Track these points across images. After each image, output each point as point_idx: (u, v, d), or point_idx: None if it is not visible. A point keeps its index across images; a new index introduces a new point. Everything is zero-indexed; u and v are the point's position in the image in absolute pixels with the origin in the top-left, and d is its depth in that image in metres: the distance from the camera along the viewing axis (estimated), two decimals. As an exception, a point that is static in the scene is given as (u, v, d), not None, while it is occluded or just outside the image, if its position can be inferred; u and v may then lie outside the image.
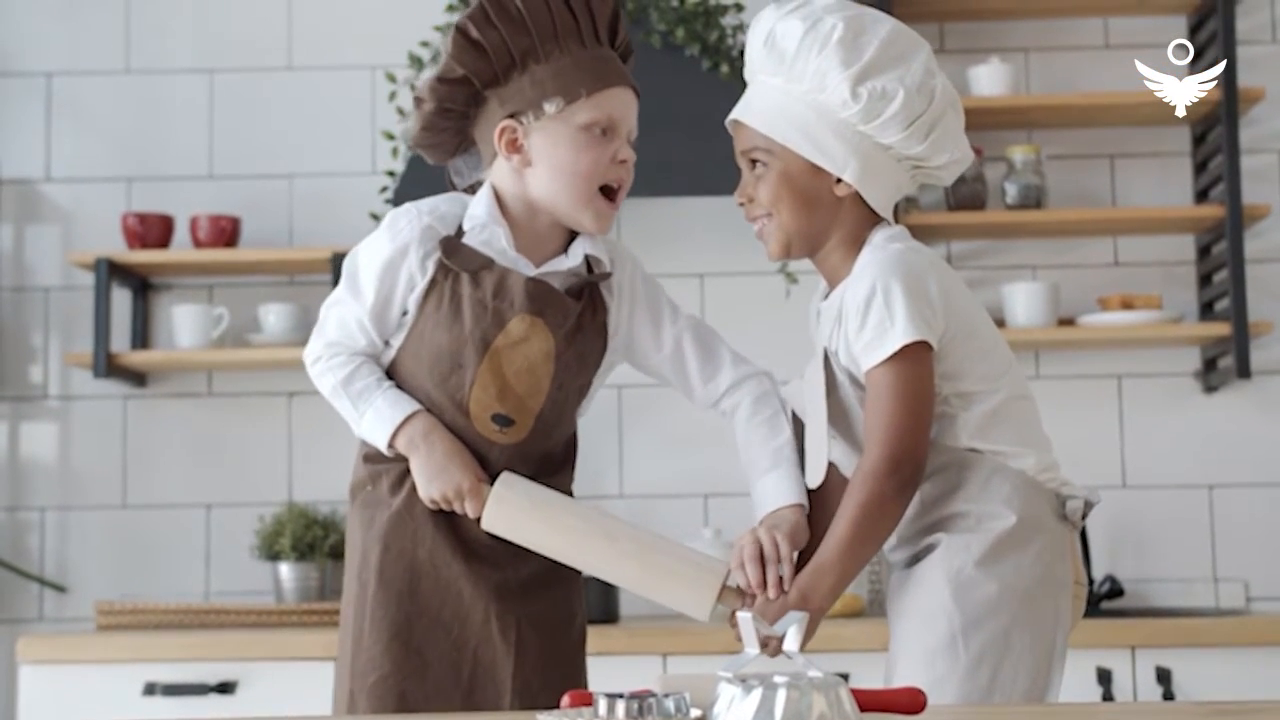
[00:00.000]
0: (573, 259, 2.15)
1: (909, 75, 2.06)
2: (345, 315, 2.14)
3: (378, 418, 2.11)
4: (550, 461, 2.17)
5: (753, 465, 2.16)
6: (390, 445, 2.11)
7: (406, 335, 2.12)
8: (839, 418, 2.11)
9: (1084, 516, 2.11)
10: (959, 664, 2.01)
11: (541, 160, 2.10)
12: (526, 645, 2.11)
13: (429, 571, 2.12)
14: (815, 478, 2.11)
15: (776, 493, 2.11)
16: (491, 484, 2.09)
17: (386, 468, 2.15)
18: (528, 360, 2.09)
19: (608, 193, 2.13)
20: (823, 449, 2.08)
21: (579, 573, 2.20)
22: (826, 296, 2.17)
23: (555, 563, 2.14)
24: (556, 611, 2.17)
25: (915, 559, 2.10)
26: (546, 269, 2.13)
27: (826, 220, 2.11)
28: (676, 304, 2.24)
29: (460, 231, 2.13)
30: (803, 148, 2.08)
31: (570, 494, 2.21)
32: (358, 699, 2.11)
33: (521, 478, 2.10)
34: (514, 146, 2.11)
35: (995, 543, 2.04)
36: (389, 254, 2.10)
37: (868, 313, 2.02)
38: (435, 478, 2.08)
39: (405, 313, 2.12)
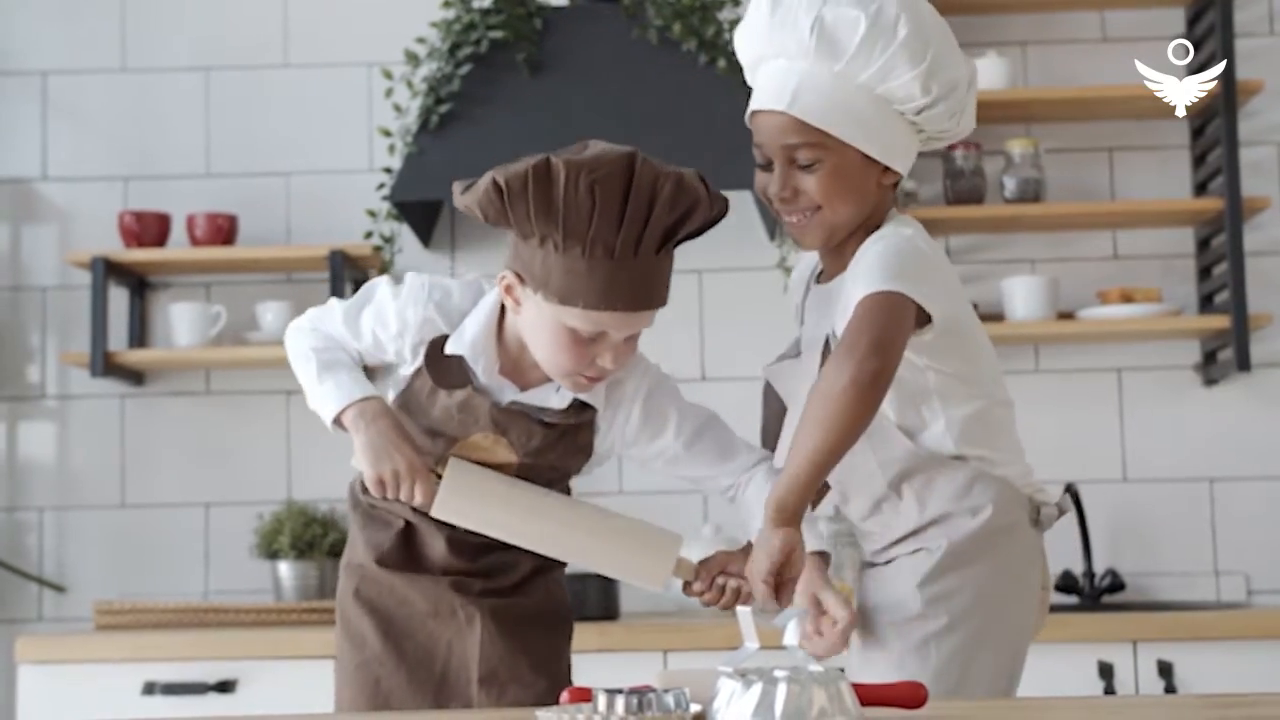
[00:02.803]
0: (562, 400, 2.08)
1: (965, 65, 2.04)
2: (339, 329, 2.13)
3: (337, 388, 2.07)
4: None
5: None
6: (337, 421, 2.07)
7: (399, 394, 2.11)
8: None
9: (1052, 523, 2.12)
10: (929, 665, 2.02)
11: (526, 325, 2.03)
12: (493, 638, 2.11)
13: (404, 565, 2.15)
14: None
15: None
16: (436, 472, 2.07)
17: None
18: (489, 458, 2.09)
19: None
20: None
21: (553, 567, 2.21)
22: (821, 279, 2.15)
23: (523, 559, 2.16)
24: (525, 606, 2.16)
25: (891, 559, 2.11)
26: (531, 397, 2.08)
27: (871, 209, 2.08)
28: (687, 404, 2.16)
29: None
30: (864, 144, 2.02)
31: None
32: (342, 689, 2.15)
33: (467, 461, 2.08)
34: (510, 294, 2.03)
35: (971, 547, 2.04)
36: (388, 321, 2.09)
37: (865, 258, 1.97)
38: (382, 456, 2.02)
39: (391, 365, 2.13)
